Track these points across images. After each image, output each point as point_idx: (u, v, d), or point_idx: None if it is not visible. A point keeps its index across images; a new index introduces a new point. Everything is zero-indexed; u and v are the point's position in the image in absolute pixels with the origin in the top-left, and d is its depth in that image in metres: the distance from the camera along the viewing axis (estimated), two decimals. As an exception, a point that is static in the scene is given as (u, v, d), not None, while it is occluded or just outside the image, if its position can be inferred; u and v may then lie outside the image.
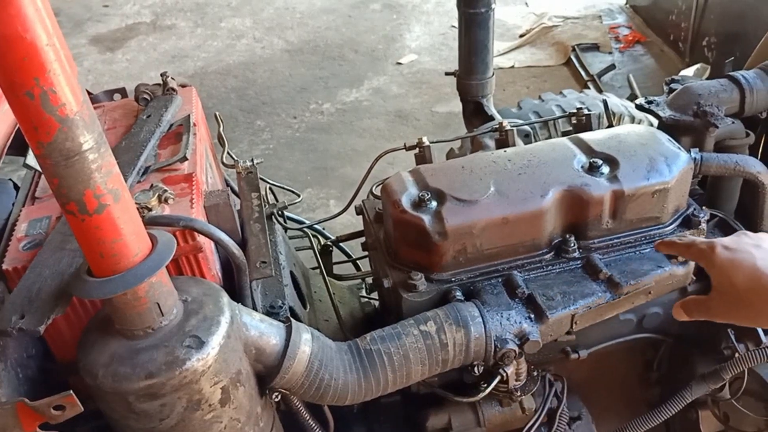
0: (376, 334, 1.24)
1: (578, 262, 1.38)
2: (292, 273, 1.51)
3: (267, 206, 1.55)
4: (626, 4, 5.87)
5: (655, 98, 1.57)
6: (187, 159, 1.26)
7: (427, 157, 1.56)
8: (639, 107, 1.58)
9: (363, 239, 1.70)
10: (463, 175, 1.38)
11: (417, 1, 6.61)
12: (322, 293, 1.63)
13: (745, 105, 1.50)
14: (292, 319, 1.18)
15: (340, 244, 1.84)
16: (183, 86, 1.52)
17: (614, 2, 6.00)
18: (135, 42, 6.33)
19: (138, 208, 1.13)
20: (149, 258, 0.97)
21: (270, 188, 1.63)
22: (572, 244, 1.36)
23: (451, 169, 1.42)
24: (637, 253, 1.40)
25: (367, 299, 1.77)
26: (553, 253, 1.38)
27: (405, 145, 1.58)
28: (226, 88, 5.58)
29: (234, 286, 1.24)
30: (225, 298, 1.10)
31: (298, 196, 1.75)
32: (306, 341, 1.16)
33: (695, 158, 1.41)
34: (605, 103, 1.66)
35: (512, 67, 5.35)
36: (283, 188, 1.83)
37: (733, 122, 1.48)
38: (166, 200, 1.15)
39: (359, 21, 6.40)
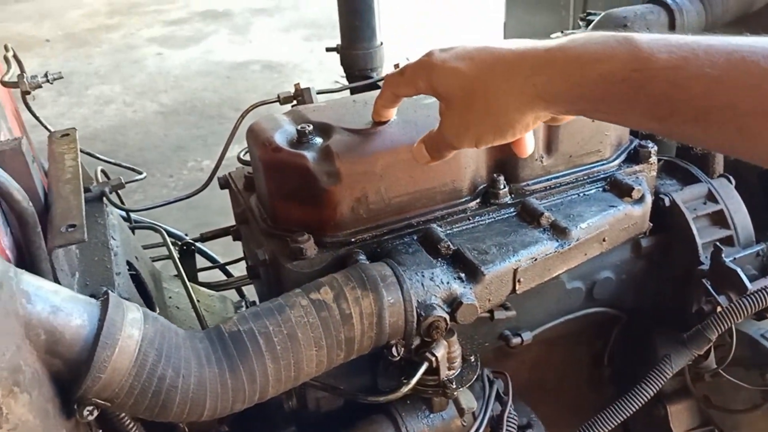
0: (247, 311, 0.85)
1: (511, 209, 1.07)
2: (131, 266, 1.10)
3: (96, 185, 1.15)
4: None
5: (573, 31, 1.33)
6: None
7: (309, 109, 1.22)
8: (556, 41, 1.33)
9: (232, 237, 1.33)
10: (355, 107, 1.06)
11: (297, 61, 6.43)
12: (179, 299, 1.21)
13: (675, 29, 1.28)
14: (110, 292, 0.78)
15: (205, 249, 1.45)
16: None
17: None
18: (-12, 112, 5.72)
19: None
20: None
21: (102, 170, 1.24)
22: (502, 185, 1.05)
23: (338, 104, 1.09)
24: (581, 195, 1.11)
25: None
26: (479, 200, 1.06)
27: (279, 96, 1.25)
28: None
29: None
30: (-10, 253, 0.69)
31: (140, 173, 1.35)
32: (133, 321, 0.75)
33: (633, 79, 1.15)
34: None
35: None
36: (121, 165, 1.43)
37: (667, 44, 1.25)
38: None
39: (238, 81, 6.13)
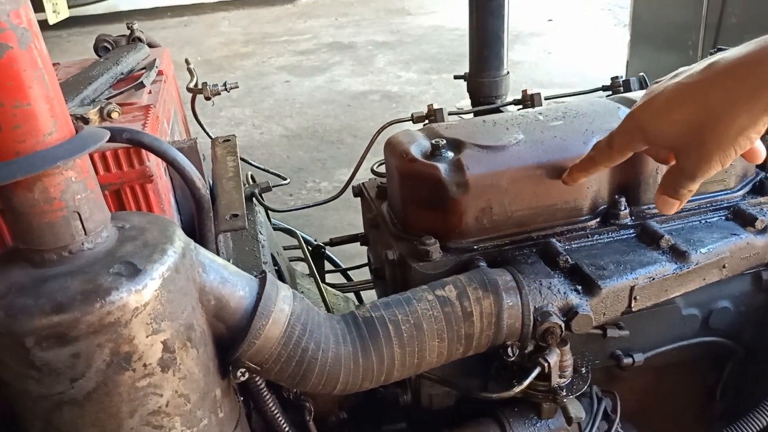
0: (379, 300, 0.95)
1: (631, 231, 1.11)
2: (274, 259, 1.22)
3: (247, 186, 1.29)
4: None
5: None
6: (144, 86, 1.02)
7: (439, 127, 1.31)
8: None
9: (358, 243, 1.43)
10: (485, 126, 1.14)
11: (415, 92, 6.61)
12: (309, 295, 1.33)
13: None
14: (267, 271, 0.89)
15: (330, 255, 1.57)
16: (152, 45, 1.30)
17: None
18: (132, 128, 6.28)
19: (74, 123, 0.88)
20: (68, 141, 0.71)
21: (251, 175, 1.38)
22: (623, 207, 1.10)
23: (469, 123, 1.17)
24: (703, 221, 1.13)
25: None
26: (598, 219, 1.11)
27: (413, 115, 1.35)
28: (221, 169, 5.42)
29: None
30: (177, 228, 0.82)
31: (285, 179, 1.49)
32: (285, 298, 0.87)
33: (763, 112, 1.16)
34: (643, 77, 1.45)
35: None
36: (268, 172, 1.58)
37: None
38: (109, 114, 0.90)
39: (358, 110, 6.38)
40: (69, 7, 7.26)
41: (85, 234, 0.74)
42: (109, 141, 0.85)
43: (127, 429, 0.75)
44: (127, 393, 0.74)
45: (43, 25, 7.40)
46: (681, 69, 0.88)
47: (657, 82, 0.91)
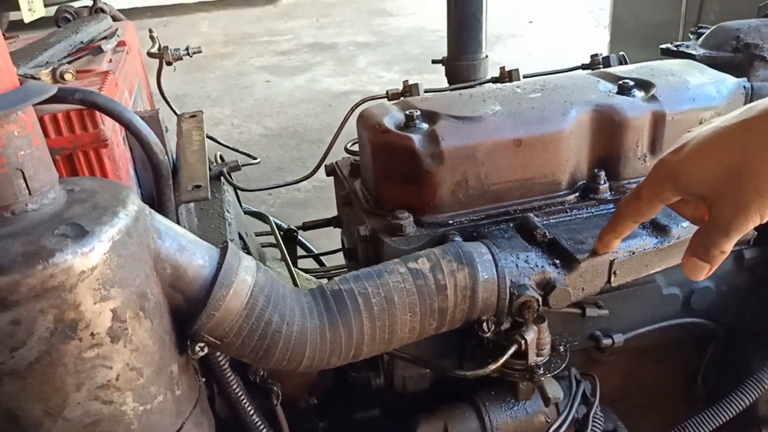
0: (349, 274, 0.90)
1: (610, 206, 1.07)
2: (242, 239, 1.17)
3: (216, 165, 1.25)
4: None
5: (683, 42, 1.33)
6: (102, 51, 0.97)
7: (415, 104, 1.27)
8: (665, 51, 1.33)
9: (332, 227, 1.39)
10: (461, 98, 1.10)
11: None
12: (280, 279, 1.28)
13: (790, 42, 1.25)
14: (229, 241, 0.84)
15: (303, 240, 1.52)
16: (117, 19, 1.25)
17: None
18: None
19: (20, 78, 0.83)
20: (9, 92, 0.66)
21: (220, 156, 1.34)
22: (603, 181, 1.06)
23: (445, 96, 1.14)
24: (684, 198, 1.10)
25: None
26: (577, 194, 1.07)
27: (388, 92, 1.31)
28: (199, 168, 5.35)
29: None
30: (131, 193, 0.77)
31: (254, 159, 1.45)
32: (248, 269, 0.82)
33: (745, 86, 1.14)
34: (623, 55, 1.42)
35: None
36: (237, 151, 1.53)
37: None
38: (62, 76, 0.84)
39: (339, 109, 6.32)
40: (45, 6, 7.13)
41: (30, 194, 0.69)
42: (60, 101, 0.81)
43: (74, 403, 0.70)
44: (73, 364, 0.69)
45: (19, 23, 7.28)
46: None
47: (689, 131, 0.82)
